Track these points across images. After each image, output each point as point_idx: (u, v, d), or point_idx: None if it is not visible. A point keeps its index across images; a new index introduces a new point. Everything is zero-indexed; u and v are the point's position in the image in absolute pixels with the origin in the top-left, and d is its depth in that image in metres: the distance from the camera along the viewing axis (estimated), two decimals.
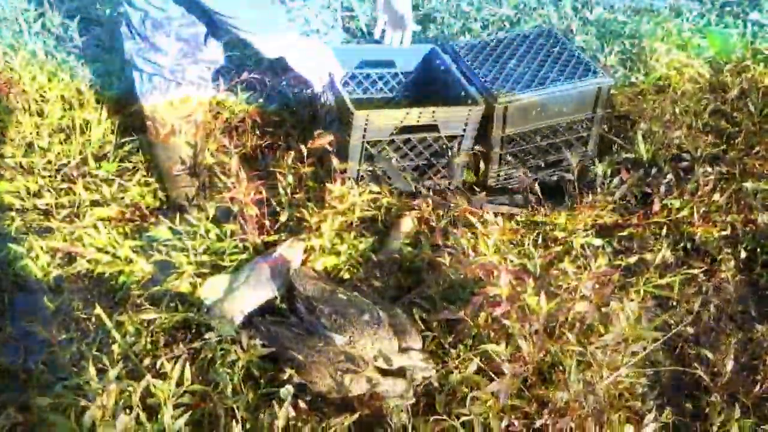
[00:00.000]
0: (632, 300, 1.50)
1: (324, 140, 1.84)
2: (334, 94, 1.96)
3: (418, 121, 1.90)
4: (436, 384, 1.44)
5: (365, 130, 1.86)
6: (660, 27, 3.05)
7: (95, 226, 1.92)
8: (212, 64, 1.92)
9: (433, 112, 1.89)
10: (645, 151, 2.32)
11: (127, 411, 1.33)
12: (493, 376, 1.34)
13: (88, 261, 1.87)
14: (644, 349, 1.40)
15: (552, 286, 1.53)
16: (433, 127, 1.94)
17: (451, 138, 1.99)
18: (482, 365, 1.39)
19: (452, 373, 1.42)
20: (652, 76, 2.73)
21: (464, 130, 1.97)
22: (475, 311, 1.39)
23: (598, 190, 2.01)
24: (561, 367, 1.36)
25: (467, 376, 1.36)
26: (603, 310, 1.35)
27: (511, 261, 1.58)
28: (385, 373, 1.43)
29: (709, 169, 2.19)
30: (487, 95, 2.00)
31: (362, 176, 2.00)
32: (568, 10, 3.23)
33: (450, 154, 2.00)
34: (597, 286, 1.45)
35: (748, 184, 2.14)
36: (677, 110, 2.47)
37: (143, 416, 1.32)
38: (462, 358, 1.42)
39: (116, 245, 1.88)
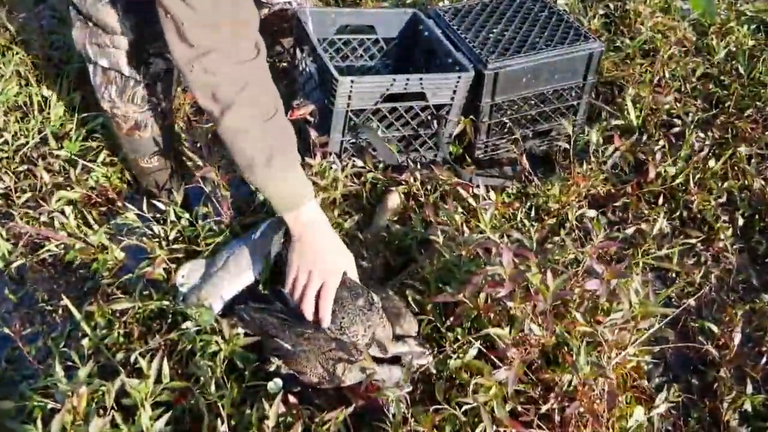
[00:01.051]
0: (637, 274, 1.42)
1: (305, 110, 1.72)
2: (315, 61, 1.83)
3: (405, 89, 1.79)
4: (433, 370, 1.35)
5: (350, 97, 1.74)
6: None
7: (62, 211, 1.78)
8: None
9: (421, 79, 1.78)
10: (635, 118, 2.25)
11: (101, 412, 1.22)
12: (495, 361, 1.26)
13: (57, 246, 1.74)
14: (652, 326, 1.33)
15: (551, 262, 1.45)
16: (420, 96, 1.83)
17: (439, 107, 1.88)
18: (483, 349, 1.30)
19: (450, 358, 1.33)
20: (637, 40, 2.64)
21: (452, 98, 1.86)
22: (474, 292, 1.29)
23: (592, 159, 1.92)
24: (567, 348, 1.28)
25: (468, 362, 1.27)
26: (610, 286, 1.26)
27: (509, 237, 1.49)
28: (380, 361, 1.33)
29: (702, 135, 2.13)
30: (476, 61, 1.89)
31: (345, 149, 1.88)
32: None
33: (438, 123, 1.89)
34: (597, 259, 1.37)
35: (742, 149, 2.08)
36: (666, 74, 2.39)
37: (119, 418, 1.21)
38: (461, 343, 1.33)
39: (87, 231, 1.75)
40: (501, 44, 1.97)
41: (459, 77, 1.82)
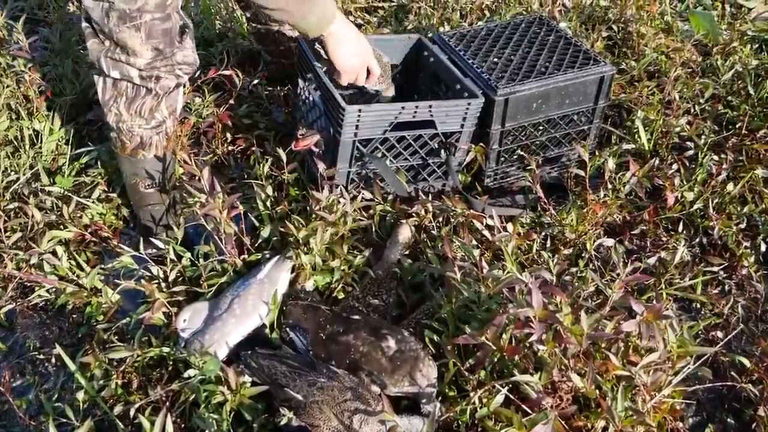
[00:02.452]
0: (667, 309, 1.34)
1: (309, 140, 1.64)
2: (319, 90, 1.76)
3: (413, 117, 1.72)
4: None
5: (357, 127, 1.67)
6: (643, 11, 2.94)
7: (54, 252, 1.69)
8: (188, 66, 1.65)
9: (430, 106, 1.71)
10: (646, 141, 2.19)
11: None
12: (523, 405, 1.17)
13: (48, 291, 1.65)
14: (687, 364, 1.24)
15: (577, 298, 1.37)
16: (429, 124, 1.76)
17: (448, 135, 1.82)
18: (509, 395, 1.22)
19: (474, 404, 1.24)
20: (642, 62, 2.60)
21: (462, 125, 1.80)
22: (498, 334, 1.21)
23: (608, 185, 1.85)
24: (600, 392, 1.20)
25: (495, 410, 1.18)
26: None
27: (532, 274, 1.40)
28: (399, 410, 1.24)
29: (716, 158, 2.07)
30: (485, 87, 1.83)
31: (352, 179, 1.81)
32: None
33: (447, 152, 1.82)
34: (622, 293, 1.29)
35: (759, 172, 2.01)
36: (676, 96, 2.33)
37: None
38: (486, 389, 1.24)
39: (80, 273, 1.66)
40: (509, 69, 1.91)
41: (469, 104, 1.76)
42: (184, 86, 1.78)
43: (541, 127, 1.98)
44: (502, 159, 1.99)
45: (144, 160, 1.74)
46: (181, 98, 1.73)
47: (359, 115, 1.64)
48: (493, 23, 2.18)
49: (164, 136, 1.72)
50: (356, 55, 1.78)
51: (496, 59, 1.97)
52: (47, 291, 1.64)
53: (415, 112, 1.70)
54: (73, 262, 1.71)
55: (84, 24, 1.58)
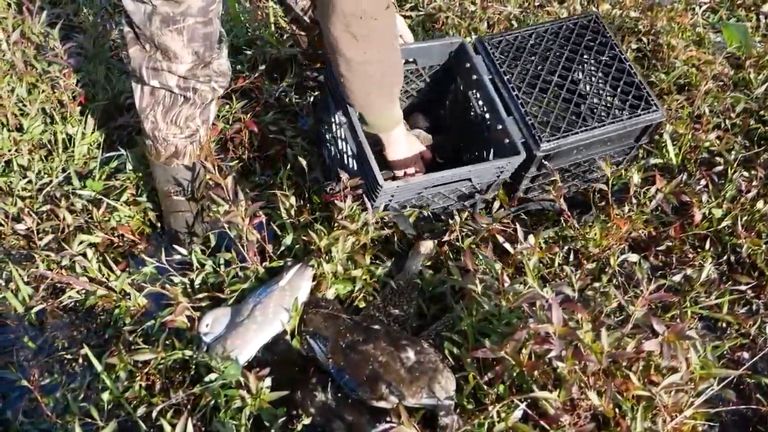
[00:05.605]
0: (691, 328, 1.33)
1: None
2: (356, 148, 1.70)
3: (451, 181, 1.69)
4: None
5: (392, 197, 1.66)
6: (674, 22, 2.90)
7: (84, 254, 1.73)
8: (223, 78, 1.68)
9: (470, 171, 1.66)
10: (674, 156, 2.16)
11: None
12: (540, 420, 1.17)
13: (78, 293, 1.68)
14: (710, 386, 1.23)
15: (598, 315, 1.35)
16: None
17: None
18: (527, 410, 1.21)
19: (492, 418, 1.23)
20: (672, 75, 2.57)
21: (498, 176, 1.75)
22: (517, 348, 1.21)
23: (633, 200, 1.83)
24: (619, 410, 1.19)
25: (513, 425, 1.17)
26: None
27: (554, 290, 1.40)
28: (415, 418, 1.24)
29: (746, 174, 2.03)
30: (528, 137, 1.73)
31: None
32: (576, 6, 3.06)
33: (477, 193, 1.80)
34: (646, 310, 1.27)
35: None
36: (706, 110, 2.30)
37: None
38: (504, 403, 1.24)
39: (109, 274, 1.70)
40: (554, 113, 1.78)
41: (509, 162, 1.69)
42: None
43: (576, 166, 1.93)
44: (532, 190, 1.94)
45: (177, 168, 1.78)
46: (214, 109, 1.77)
47: (396, 190, 1.61)
48: (543, 25, 2.03)
49: (197, 145, 1.76)
50: (407, 152, 1.81)
51: (541, 92, 1.84)
52: (77, 292, 1.68)
53: (453, 177, 1.66)
54: (102, 265, 1.74)
55: (126, 29, 1.59)
